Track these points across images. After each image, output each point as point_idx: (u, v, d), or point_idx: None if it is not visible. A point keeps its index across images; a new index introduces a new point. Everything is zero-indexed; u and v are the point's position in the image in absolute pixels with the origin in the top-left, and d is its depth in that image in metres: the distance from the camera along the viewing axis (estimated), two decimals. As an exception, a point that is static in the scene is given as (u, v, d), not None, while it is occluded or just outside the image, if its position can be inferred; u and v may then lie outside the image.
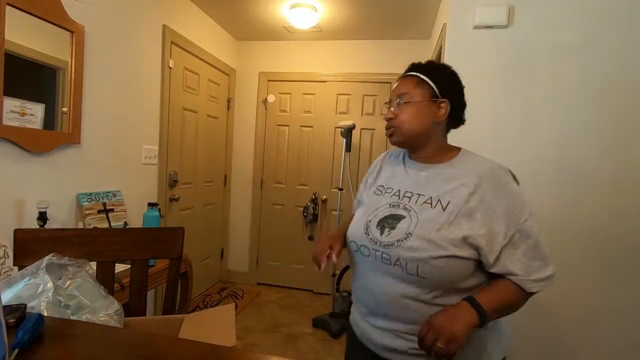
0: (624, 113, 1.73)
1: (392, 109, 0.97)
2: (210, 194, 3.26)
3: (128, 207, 2.09)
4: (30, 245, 1.10)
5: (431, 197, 0.90)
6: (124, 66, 2.11)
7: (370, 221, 0.95)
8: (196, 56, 2.85)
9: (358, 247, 0.96)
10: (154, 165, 2.44)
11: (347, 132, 2.86)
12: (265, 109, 3.55)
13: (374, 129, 3.32)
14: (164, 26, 2.42)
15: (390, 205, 0.95)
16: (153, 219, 1.77)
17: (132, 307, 1.20)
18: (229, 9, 2.83)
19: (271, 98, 3.51)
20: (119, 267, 1.57)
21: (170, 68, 2.52)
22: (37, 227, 1.57)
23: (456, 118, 0.99)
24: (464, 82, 0.99)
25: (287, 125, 3.52)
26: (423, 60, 1.02)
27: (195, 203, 3.02)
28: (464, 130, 1.84)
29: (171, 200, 2.66)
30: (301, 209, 3.47)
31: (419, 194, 0.93)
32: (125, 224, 2.00)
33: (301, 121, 3.48)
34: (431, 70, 0.96)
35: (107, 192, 1.99)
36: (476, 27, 1.84)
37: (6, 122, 1.48)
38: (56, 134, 1.72)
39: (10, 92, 1.49)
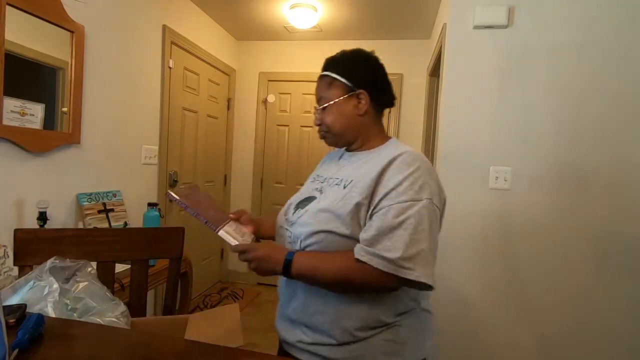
0: (624, 112, 1.73)
1: (317, 115, 0.98)
2: (210, 194, 3.24)
3: (128, 207, 2.09)
4: (30, 245, 1.10)
5: (342, 179, 0.92)
6: (124, 66, 2.11)
7: (292, 204, 0.99)
8: (196, 56, 2.85)
9: (279, 229, 0.99)
10: (154, 165, 2.44)
11: (347, 132, 2.86)
12: (265, 109, 3.54)
13: (374, 129, 3.32)
14: (164, 26, 2.42)
15: (313, 189, 0.97)
16: (153, 219, 1.77)
17: (132, 307, 1.20)
18: (229, 9, 2.83)
19: (271, 98, 3.51)
20: (119, 267, 1.57)
21: (170, 68, 2.52)
22: (37, 227, 1.57)
23: (383, 99, 0.98)
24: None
25: (287, 125, 3.52)
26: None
27: (195, 203, 3.02)
28: (464, 130, 1.85)
29: (171, 200, 2.66)
30: (301, 209, 3.46)
31: (336, 178, 0.94)
32: (125, 224, 2.00)
33: (301, 121, 3.48)
34: (342, 63, 0.97)
35: (107, 192, 1.99)
36: (476, 27, 1.84)
37: (6, 122, 1.48)
38: (56, 134, 1.72)
39: (10, 92, 1.49)
